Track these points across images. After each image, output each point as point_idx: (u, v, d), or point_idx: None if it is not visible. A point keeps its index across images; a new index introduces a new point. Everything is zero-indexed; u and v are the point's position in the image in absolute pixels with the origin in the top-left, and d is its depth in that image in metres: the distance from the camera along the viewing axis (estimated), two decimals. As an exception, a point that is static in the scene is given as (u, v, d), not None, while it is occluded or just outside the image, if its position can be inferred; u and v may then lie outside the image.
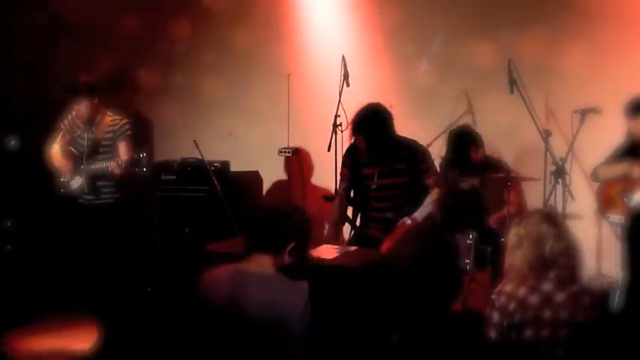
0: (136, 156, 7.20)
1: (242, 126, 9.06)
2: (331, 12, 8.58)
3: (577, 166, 7.49)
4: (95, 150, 7.47)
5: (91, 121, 7.48)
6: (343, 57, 7.62)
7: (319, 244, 6.84)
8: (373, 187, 6.92)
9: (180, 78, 9.43)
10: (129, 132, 7.54)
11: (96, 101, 7.45)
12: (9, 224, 8.24)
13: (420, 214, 6.89)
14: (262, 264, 4.70)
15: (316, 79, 8.53)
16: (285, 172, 8.96)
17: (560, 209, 7.24)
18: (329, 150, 7.43)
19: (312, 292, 6.16)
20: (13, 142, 7.72)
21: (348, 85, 7.58)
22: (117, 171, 7.28)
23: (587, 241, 7.51)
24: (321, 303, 5.97)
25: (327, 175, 7.58)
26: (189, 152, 8.14)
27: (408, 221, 6.82)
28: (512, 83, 7.22)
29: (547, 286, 4.59)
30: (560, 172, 7.17)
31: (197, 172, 8.29)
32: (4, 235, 8.14)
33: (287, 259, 4.73)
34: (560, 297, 4.57)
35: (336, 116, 7.48)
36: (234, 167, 8.77)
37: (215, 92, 9.26)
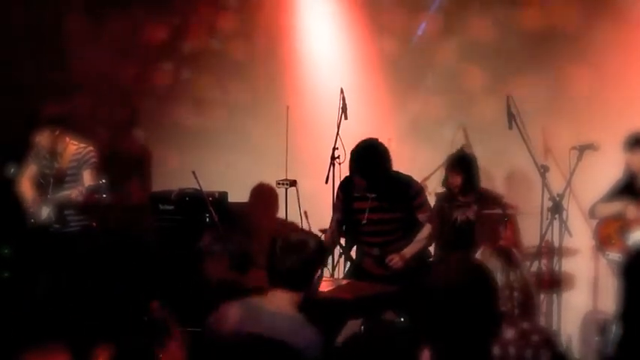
0: (98, 182, 7.19)
1: (240, 157, 9.07)
2: (330, 45, 8.63)
3: (574, 202, 7.47)
4: (61, 180, 7.46)
5: (54, 152, 7.49)
6: (342, 90, 7.65)
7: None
8: (364, 222, 6.92)
9: (178, 109, 9.45)
10: (94, 159, 7.50)
11: (57, 133, 7.44)
12: (6, 251, 8.22)
13: (410, 250, 6.90)
14: (280, 301, 4.50)
15: (315, 112, 8.56)
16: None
17: (557, 245, 7.24)
18: (327, 182, 7.44)
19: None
20: (12, 170, 7.70)
21: (346, 118, 7.59)
22: (79, 199, 7.26)
23: (583, 278, 7.54)
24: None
25: (324, 207, 7.57)
26: (187, 183, 8.14)
27: (397, 258, 6.83)
28: (511, 118, 7.23)
29: None
30: (557, 208, 7.17)
31: (195, 202, 8.30)
32: (1, 262, 8.13)
33: (312, 292, 4.57)
34: (509, 334, 4.43)
35: (334, 149, 7.49)
36: (232, 198, 8.77)
37: (214, 123, 9.28)
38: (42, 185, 7.52)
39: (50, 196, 7.45)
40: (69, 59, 9.55)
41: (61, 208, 7.43)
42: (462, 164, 7.30)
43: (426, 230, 7.00)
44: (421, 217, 6.98)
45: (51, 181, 7.48)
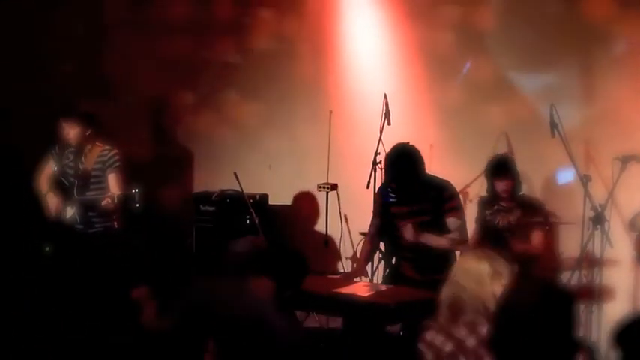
0: (131, 191, 7.21)
1: (282, 160, 9.10)
2: (374, 50, 8.63)
3: (616, 213, 7.44)
4: (85, 181, 7.49)
5: (80, 152, 7.53)
6: (385, 95, 7.65)
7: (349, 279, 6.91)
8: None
9: (221, 110, 9.50)
10: (118, 163, 7.54)
11: (89, 133, 7.49)
12: (47, 249, 8.29)
13: (430, 239, 6.80)
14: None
15: (358, 117, 8.57)
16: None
17: (597, 255, 7.21)
18: (368, 187, 7.46)
19: (346, 328, 6.23)
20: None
21: (389, 124, 7.60)
22: (109, 206, 7.29)
23: (623, 289, 7.49)
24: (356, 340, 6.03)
25: (365, 212, 7.59)
26: (228, 184, 8.19)
27: (411, 229, 6.75)
28: (554, 127, 7.21)
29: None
30: (599, 219, 7.14)
31: (236, 204, 8.34)
32: (43, 259, 8.19)
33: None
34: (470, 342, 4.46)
35: (376, 154, 7.51)
36: (272, 201, 8.80)
37: (257, 125, 9.32)
38: (64, 185, 7.55)
39: (75, 197, 7.48)
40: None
41: (86, 209, 7.47)
42: (507, 169, 7.23)
43: (454, 234, 6.88)
44: (450, 221, 6.85)
45: (75, 182, 7.52)
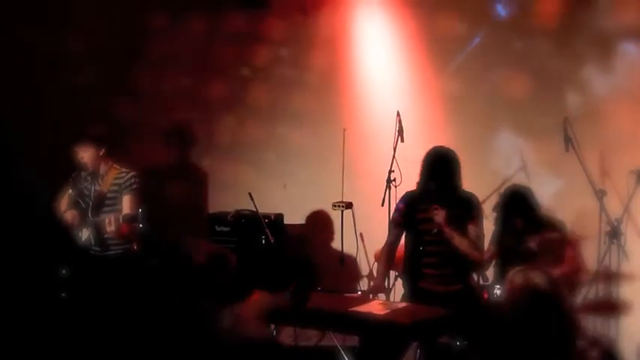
0: (136, 211, 7.21)
1: (297, 179, 9.12)
2: (387, 68, 8.65)
3: (632, 227, 7.41)
4: (101, 202, 7.48)
5: (96, 174, 7.54)
6: (398, 113, 7.66)
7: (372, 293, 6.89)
8: (434, 230, 6.80)
9: (236, 130, 9.53)
10: (135, 185, 7.51)
11: (102, 153, 7.50)
12: (64, 272, 8.31)
13: (456, 235, 6.75)
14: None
15: (371, 134, 8.57)
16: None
17: (614, 269, 7.18)
18: (382, 205, 7.45)
19: (363, 347, 6.22)
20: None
21: (402, 141, 7.61)
22: (110, 228, 7.28)
23: (640, 302, 7.46)
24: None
25: (380, 229, 7.57)
26: (243, 204, 8.19)
27: (442, 212, 6.70)
28: (568, 141, 7.21)
29: None
30: (615, 233, 7.12)
31: (251, 224, 8.34)
32: (59, 282, 8.21)
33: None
34: None
35: (390, 171, 7.50)
36: (288, 220, 8.80)
37: (271, 144, 9.34)
38: (81, 207, 7.57)
39: (90, 218, 7.49)
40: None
41: (101, 231, 7.47)
42: (519, 205, 7.18)
43: (474, 238, 6.86)
44: (470, 228, 6.80)
45: (90, 203, 7.52)
